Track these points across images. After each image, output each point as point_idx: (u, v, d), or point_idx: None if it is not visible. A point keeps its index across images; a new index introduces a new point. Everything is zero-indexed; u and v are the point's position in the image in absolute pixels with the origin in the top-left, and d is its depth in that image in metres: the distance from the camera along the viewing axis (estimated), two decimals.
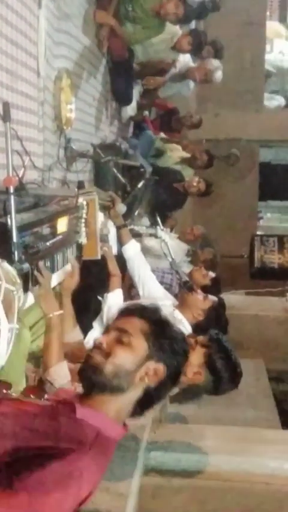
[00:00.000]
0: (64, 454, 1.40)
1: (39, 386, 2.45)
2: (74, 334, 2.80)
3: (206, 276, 4.52)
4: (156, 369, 1.58)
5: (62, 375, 2.32)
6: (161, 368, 1.58)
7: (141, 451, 2.80)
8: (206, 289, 4.06)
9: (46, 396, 1.71)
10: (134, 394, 1.58)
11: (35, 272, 2.21)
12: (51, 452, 1.39)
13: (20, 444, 1.41)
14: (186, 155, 6.16)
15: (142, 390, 1.58)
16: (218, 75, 5.90)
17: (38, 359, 2.57)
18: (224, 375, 2.74)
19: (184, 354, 1.66)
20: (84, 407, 1.54)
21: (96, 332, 3.25)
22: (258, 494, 2.95)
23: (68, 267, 2.73)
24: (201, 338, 2.79)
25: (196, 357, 2.69)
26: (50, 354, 2.35)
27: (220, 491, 2.92)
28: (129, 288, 4.04)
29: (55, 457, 1.38)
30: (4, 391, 1.79)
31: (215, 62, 5.84)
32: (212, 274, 4.56)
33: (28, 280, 2.14)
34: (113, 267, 3.37)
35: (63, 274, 2.68)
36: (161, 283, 3.94)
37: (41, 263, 2.26)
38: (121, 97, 5.22)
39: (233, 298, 5.95)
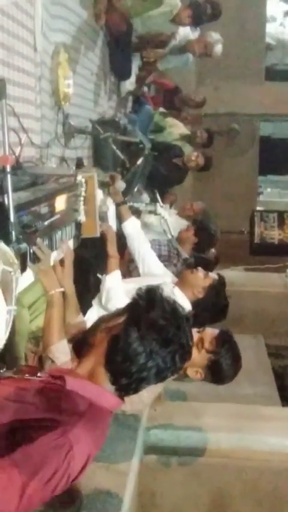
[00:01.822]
0: (54, 426, 1.41)
1: (39, 365, 2.45)
2: (77, 321, 2.76)
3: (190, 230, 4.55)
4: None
5: (63, 353, 2.31)
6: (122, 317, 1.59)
7: (141, 428, 2.81)
8: (206, 265, 4.05)
9: (39, 374, 1.70)
10: (102, 346, 1.58)
11: (34, 248, 2.18)
12: (41, 425, 1.40)
13: (12, 418, 1.42)
14: (186, 132, 6.10)
15: (107, 341, 1.57)
16: (218, 48, 5.81)
17: (37, 339, 2.56)
18: (227, 373, 2.75)
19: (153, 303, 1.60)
20: (75, 379, 1.54)
21: (94, 311, 3.25)
22: (257, 470, 2.97)
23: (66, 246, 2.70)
24: (208, 335, 2.76)
25: (200, 359, 2.69)
26: (51, 331, 2.33)
27: (220, 468, 2.94)
28: (129, 264, 4.03)
29: (45, 430, 1.39)
30: (1, 371, 1.79)
31: (214, 35, 5.74)
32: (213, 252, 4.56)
33: (26, 261, 2.12)
34: (112, 248, 3.33)
35: (62, 252, 2.65)
36: (159, 256, 3.92)
37: (39, 240, 2.23)
38: (120, 71, 5.14)
39: (233, 275, 5.94)
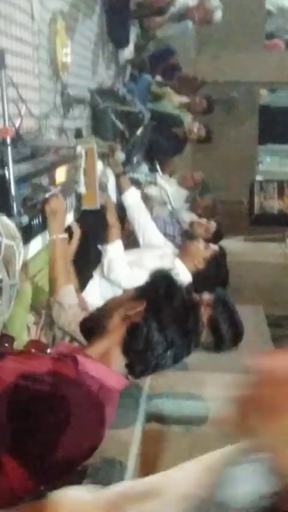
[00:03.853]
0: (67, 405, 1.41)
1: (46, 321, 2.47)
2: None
3: (209, 230, 4.49)
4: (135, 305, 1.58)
5: (70, 296, 2.34)
6: (139, 303, 1.58)
7: (142, 398, 2.83)
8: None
9: (49, 350, 1.71)
10: (119, 333, 1.58)
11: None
12: (54, 404, 1.41)
13: (23, 397, 1.43)
14: (186, 100, 6.04)
15: (126, 329, 1.57)
16: (218, 14, 5.73)
17: (38, 311, 2.57)
18: (226, 337, 2.78)
19: (171, 293, 1.60)
20: (86, 359, 1.54)
21: (96, 282, 3.25)
22: None
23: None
24: (206, 297, 2.79)
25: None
26: (57, 274, 2.36)
27: (221, 437, 2.96)
28: (129, 236, 4.03)
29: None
30: (6, 345, 1.80)
31: (214, 2, 5.66)
32: (213, 225, 4.51)
33: (27, 233, 2.12)
34: (112, 218, 3.34)
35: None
36: (165, 234, 3.92)
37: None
38: (118, 40, 5.06)
39: (232, 245, 5.93)
